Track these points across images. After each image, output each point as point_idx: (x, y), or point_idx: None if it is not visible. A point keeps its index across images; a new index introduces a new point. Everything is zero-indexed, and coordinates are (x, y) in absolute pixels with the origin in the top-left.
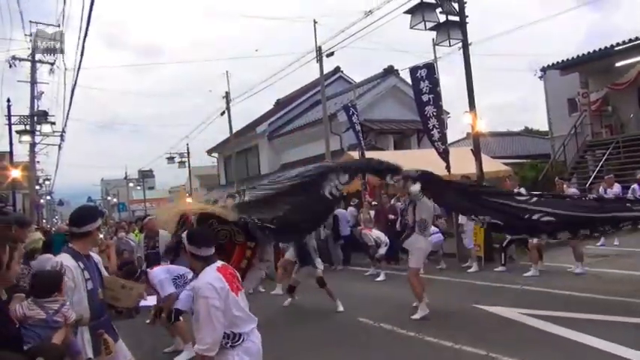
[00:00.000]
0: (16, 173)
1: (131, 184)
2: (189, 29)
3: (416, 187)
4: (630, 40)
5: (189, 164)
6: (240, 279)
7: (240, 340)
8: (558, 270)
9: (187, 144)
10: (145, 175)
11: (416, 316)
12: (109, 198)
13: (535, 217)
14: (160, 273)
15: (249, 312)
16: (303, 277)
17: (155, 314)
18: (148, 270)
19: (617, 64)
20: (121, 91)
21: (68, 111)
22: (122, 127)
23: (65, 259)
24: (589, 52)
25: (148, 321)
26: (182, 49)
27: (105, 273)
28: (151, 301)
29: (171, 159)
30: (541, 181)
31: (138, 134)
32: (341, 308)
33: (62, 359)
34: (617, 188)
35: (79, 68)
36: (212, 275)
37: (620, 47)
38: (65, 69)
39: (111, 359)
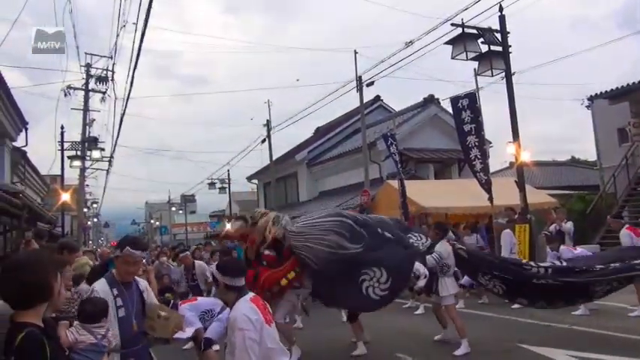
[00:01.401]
0: (66, 197)
1: (173, 208)
2: (233, 60)
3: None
4: None
5: (229, 190)
6: (270, 310)
7: None
8: (612, 309)
9: (228, 170)
10: (187, 200)
11: (459, 352)
12: (152, 221)
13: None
14: (186, 311)
15: (282, 345)
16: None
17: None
18: (179, 306)
19: None
20: (168, 120)
21: (117, 137)
22: (167, 153)
23: (99, 284)
24: (637, 82)
25: (184, 347)
26: (226, 79)
27: (152, 301)
28: (188, 332)
29: (212, 184)
30: (590, 213)
31: (181, 160)
32: (360, 350)
33: None
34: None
35: (128, 97)
36: (247, 306)
37: None
38: (115, 98)
39: None
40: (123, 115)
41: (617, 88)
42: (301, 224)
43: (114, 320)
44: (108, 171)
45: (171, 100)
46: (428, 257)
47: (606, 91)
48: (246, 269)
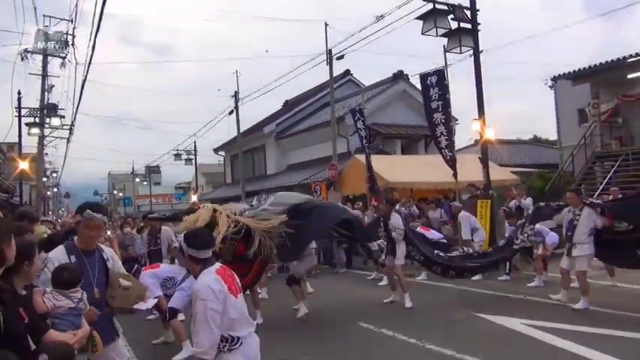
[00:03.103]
0: (24, 165)
1: (137, 180)
2: (201, 29)
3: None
4: None
5: (195, 162)
6: (238, 282)
7: (238, 343)
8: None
9: (195, 142)
10: (152, 171)
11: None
12: (115, 192)
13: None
14: (147, 278)
15: (248, 315)
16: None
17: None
18: (142, 272)
19: (629, 76)
20: (132, 88)
21: (78, 105)
22: (131, 122)
23: (55, 252)
24: (601, 63)
25: (148, 317)
26: (193, 48)
27: (118, 270)
28: (149, 303)
29: (178, 156)
30: (548, 191)
31: (146, 130)
32: (302, 312)
33: (70, 358)
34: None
35: (89, 63)
36: (210, 277)
37: (633, 59)
38: (76, 63)
39: (98, 357)
40: (84, 81)
41: (580, 69)
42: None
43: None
44: (68, 140)
45: (136, 68)
46: (394, 235)
47: (569, 72)
48: (213, 241)
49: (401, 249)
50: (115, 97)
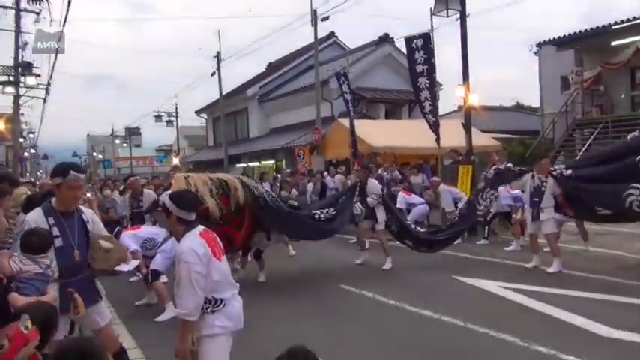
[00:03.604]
0: None
1: (117, 142)
2: None
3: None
4: (628, 20)
5: (177, 124)
6: (221, 244)
7: (222, 304)
8: (540, 245)
9: (176, 103)
10: (132, 133)
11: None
12: (94, 154)
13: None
14: (126, 238)
15: (231, 277)
16: (280, 248)
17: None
18: (122, 232)
19: (613, 44)
20: (111, 47)
21: (54, 64)
22: (110, 83)
23: (33, 215)
24: (586, 30)
25: (131, 279)
26: (174, 5)
27: (99, 232)
28: (131, 265)
29: (159, 117)
30: (528, 157)
31: (126, 91)
32: (262, 278)
33: (52, 319)
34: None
35: (65, 19)
36: (194, 240)
37: (618, 26)
38: (51, 19)
39: (81, 318)
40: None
41: (564, 35)
42: None
43: (50, 250)
44: (45, 99)
45: (115, 26)
46: (369, 200)
47: (554, 38)
48: (200, 203)
49: (380, 214)
50: (93, 55)
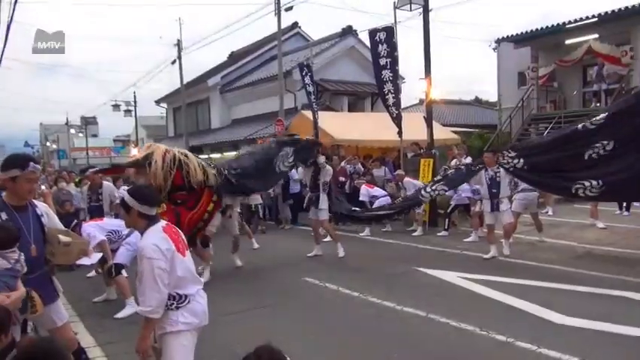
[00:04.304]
0: None
1: (73, 131)
2: None
3: (321, 159)
4: (580, 19)
5: (135, 113)
6: (184, 239)
7: (186, 301)
8: (497, 236)
9: (134, 92)
10: (88, 122)
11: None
12: (48, 144)
13: None
14: (89, 228)
15: (195, 273)
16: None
17: (98, 266)
18: (83, 225)
19: (567, 42)
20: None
21: (3, 49)
22: (64, 70)
23: None
24: (542, 28)
25: (88, 275)
26: None
27: (55, 225)
28: (89, 260)
29: (116, 106)
30: (487, 150)
31: (82, 79)
32: (205, 277)
33: (4, 321)
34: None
35: (15, 1)
36: (157, 236)
37: (571, 25)
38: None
39: (38, 317)
40: (10, 22)
41: (521, 32)
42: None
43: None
44: None
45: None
46: (321, 185)
47: (512, 35)
48: (160, 198)
49: (323, 201)
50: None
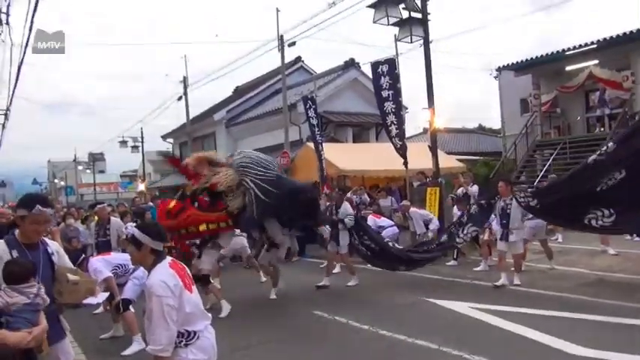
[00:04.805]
0: None
1: (80, 167)
2: (147, 11)
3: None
4: (580, 46)
5: (142, 149)
6: (190, 274)
7: (195, 337)
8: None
9: (141, 128)
10: (96, 159)
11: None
12: (56, 181)
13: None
14: (96, 262)
15: (203, 308)
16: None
17: (106, 303)
18: (90, 259)
19: (567, 68)
20: (74, 72)
21: (14, 89)
22: (73, 108)
23: None
24: (542, 55)
25: (95, 312)
26: (139, 31)
27: (64, 264)
28: (100, 298)
29: (123, 143)
30: (493, 178)
31: (89, 116)
32: (225, 311)
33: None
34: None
35: (26, 44)
36: (165, 272)
37: (571, 52)
38: (12, 44)
39: (45, 356)
40: (21, 64)
41: (522, 60)
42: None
43: (36, 277)
44: (4, 125)
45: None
46: (346, 221)
47: (512, 63)
48: (165, 235)
49: (344, 237)
50: (56, 81)
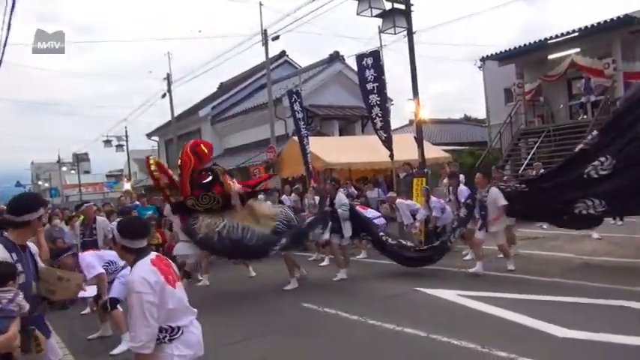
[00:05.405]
0: None
1: (64, 168)
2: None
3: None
4: (562, 35)
5: (127, 148)
6: (176, 270)
7: (179, 333)
8: (489, 253)
9: (125, 127)
10: (80, 159)
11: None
12: (39, 183)
13: None
14: (89, 257)
15: (188, 304)
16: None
17: (92, 304)
18: (79, 254)
19: (550, 57)
20: (55, 71)
21: None
22: (55, 107)
23: None
24: (525, 45)
25: (82, 312)
26: (121, 27)
27: (41, 264)
28: (90, 292)
29: (108, 142)
30: (479, 167)
31: (72, 116)
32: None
33: None
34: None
35: (5, 43)
36: (146, 269)
37: (553, 41)
38: None
39: (41, 357)
40: (0, 63)
41: (505, 50)
42: None
43: (15, 282)
44: None
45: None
46: (340, 212)
47: (496, 53)
48: (148, 230)
49: (347, 228)
50: (37, 80)
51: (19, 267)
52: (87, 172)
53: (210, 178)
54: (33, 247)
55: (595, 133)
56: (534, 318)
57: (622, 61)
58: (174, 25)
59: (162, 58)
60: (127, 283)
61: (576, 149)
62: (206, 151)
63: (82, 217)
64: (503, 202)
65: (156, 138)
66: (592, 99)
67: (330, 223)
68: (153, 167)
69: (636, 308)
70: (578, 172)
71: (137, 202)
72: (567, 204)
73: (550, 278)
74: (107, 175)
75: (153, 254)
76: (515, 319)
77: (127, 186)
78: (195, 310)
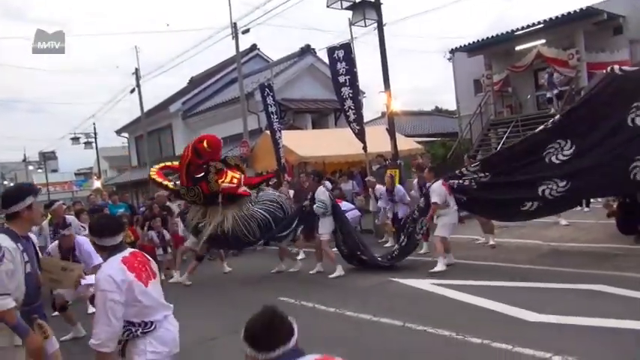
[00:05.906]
0: None
1: (31, 167)
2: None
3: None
4: (528, 26)
5: (96, 145)
6: (152, 267)
7: (152, 327)
8: (464, 241)
9: (94, 123)
10: (47, 157)
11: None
12: (5, 183)
13: None
14: (88, 245)
15: (164, 300)
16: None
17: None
18: (79, 237)
19: (517, 48)
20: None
21: None
22: (19, 105)
23: (3, 239)
24: (492, 36)
25: (53, 314)
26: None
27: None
28: (89, 279)
29: (76, 139)
30: (450, 158)
31: (37, 113)
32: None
33: None
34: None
35: None
36: (114, 267)
37: (520, 32)
38: None
39: (48, 343)
40: None
41: (474, 42)
42: None
43: (22, 276)
44: None
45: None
46: (315, 208)
47: (465, 45)
48: (121, 227)
49: (325, 223)
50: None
51: (25, 256)
52: (55, 170)
53: (201, 174)
54: (34, 238)
55: (558, 116)
56: (507, 304)
57: (585, 51)
58: (140, 19)
59: (130, 53)
60: (95, 281)
61: (537, 130)
62: (207, 147)
63: (49, 216)
64: (434, 199)
65: (125, 134)
66: (555, 92)
67: (296, 221)
68: (159, 179)
69: (604, 291)
70: (538, 155)
71: (108, 200)
72: (530, 187)
73: (521, 265)
74: (76, 174)
75: (127, 251)
76: (489, 305)
77: (97, 184)
78: (171, 305)
